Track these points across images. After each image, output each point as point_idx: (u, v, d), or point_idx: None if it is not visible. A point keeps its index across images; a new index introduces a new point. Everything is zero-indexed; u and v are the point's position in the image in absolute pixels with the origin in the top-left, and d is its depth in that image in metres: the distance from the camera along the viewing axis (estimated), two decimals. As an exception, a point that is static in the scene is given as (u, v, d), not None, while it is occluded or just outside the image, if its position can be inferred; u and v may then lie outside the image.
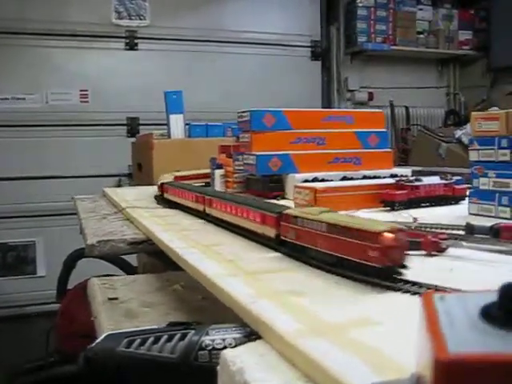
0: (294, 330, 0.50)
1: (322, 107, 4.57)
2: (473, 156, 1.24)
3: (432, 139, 3.99)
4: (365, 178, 1.64)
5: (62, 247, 3.01)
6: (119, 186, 3.84)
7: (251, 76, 4.38)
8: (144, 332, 0.62)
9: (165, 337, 0.59)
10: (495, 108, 3.90)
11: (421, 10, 4.74)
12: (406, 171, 1.76)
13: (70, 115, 4.02)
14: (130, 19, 4.38)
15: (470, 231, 0.96)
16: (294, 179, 1.56)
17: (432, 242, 0.83)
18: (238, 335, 0.59)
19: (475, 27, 4.86)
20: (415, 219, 1.17)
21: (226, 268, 0.77)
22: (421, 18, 4.74)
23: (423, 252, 0.83)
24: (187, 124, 2.57)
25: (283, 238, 0.83)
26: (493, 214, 1.19)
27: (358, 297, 0.62)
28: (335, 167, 1.66)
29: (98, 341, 0.61)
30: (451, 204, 1.40)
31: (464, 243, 0.89)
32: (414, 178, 1.43)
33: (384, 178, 1.63)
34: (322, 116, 1.70)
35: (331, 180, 1.55)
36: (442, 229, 1.02)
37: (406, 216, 1.21)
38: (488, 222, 1.15)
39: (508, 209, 1.16)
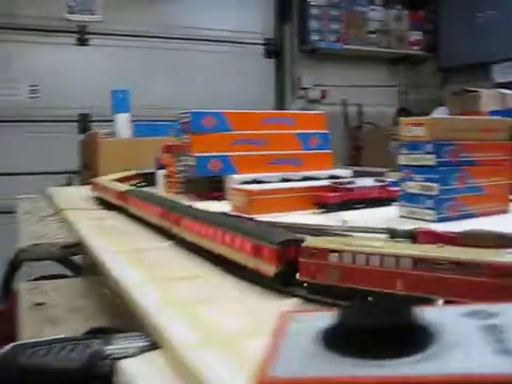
0: (187, 340, 0.51)
1: (275, 104, 4.61)
2: (401, 160, 1.27)
3: (383, 137, 4.06)
4: (304, 179, 1.66)
5: (5, 247, 2.95)
6: (69, 184, 3.78)
7: (206, 73, 4.37)
8: (51, 341, 0.62)
9: (69, 347, 0.60)
10: (443, 107, 4.00)
11: (373, 10, 4.82)
12: (346, 172, 1.79)
13: (18, 111, 3.94)
14: (82, 14, 4.32)
15: (392, 235, 0.99)
16: (233, 180, 1.57)
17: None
18: (142, 344, 0.60)
19: (425, 28, 4.96)
20: (345, 222, 1.20)
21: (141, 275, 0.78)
22: (372, 17, 4.81)
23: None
24: (134, 121, 2.56)
25: (303, 278, 0.63)
26: (419, 217, 1.23)
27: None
28: (275, 168, 1.67)
29: (2, 350, 0.61)
30: (385, 206, 1.43)
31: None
32: (348, 180, 1.46)
33: (323, 179, 1.65)
34: (263, 117, 1.72)
35: (270, 181, 1.57)
36: (366, 232, 1.05)
37: (337, 219, 1.23)
38: (415, 225, 1.19)
39: (432, 211, 1.20)
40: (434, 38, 4.76)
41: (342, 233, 1.05)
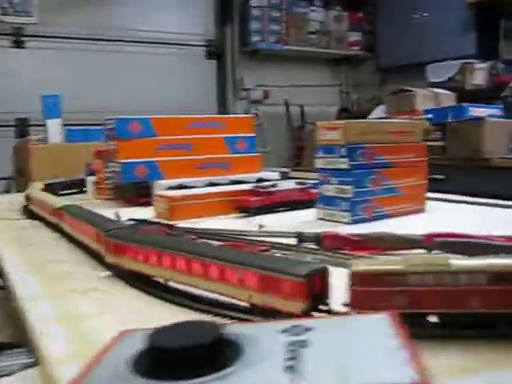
0: (60, 355, 0.51)
1: (218, 106, 4.61)
2: (318, 163, 1.30)
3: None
4: (232, 182, 1.67)
5: None
6: (8, 191, 3.68)
7: (146, 76, 4.33)
8: None
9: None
10: (382, 106, 4.08)
11: (313, 11, 4.87)
12: (273, 175, 1.81)
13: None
14: (17, 16, 4.21)
15: (300, 239, 1.01)
16: (160, 186, 1.57)
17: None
18: (26, 361, 0.59)
19: (364, 29, 5.05)
20: (261, 226, 1.22)
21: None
22: (313, 18, 4.86)
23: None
24: (67, 125, 2.52)
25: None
26: (336, 219, 1.26)
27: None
28: (203, 173, 1.68)
29: None
30: (308, 208, 1.46)
31: (287, 253, 0.93)
32: (270, 183, 1.48)
33: (250, 182, 1.67)
34: (189, 122, 1.72)
35: (195, 186, 1.57)
36: (277, 236, 1.07)
37: (254, 223, 1.25)
38: (331, 228, 1.22)
39: (348, 214, 1.23)
40: (373, 38, 4.85)
41: (255, 238, 1.07)
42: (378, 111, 4.19)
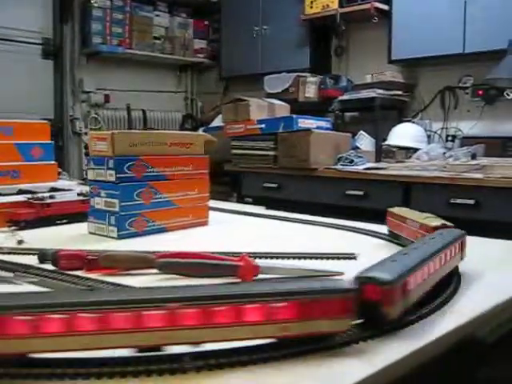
0: None
1: (55, 108, 4.38)
2: (90, 175, 1.25)
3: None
4: (20, 192, 1.56)
5: None
6: None
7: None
8: None
9: None
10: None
11: (158, 16, 4.80)
12: (70, 184, 1.73)
13: None
14: None
15: (42, 258, 0.95)
16: None
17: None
18: None
19: (209, 37, 5.08)
20: (20, 242, 1.14)
21: None
22: (157, 23, 4.79)
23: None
24: None
25: None
26: (105, 234, 1.21)
27: None
28: (-14, 181, 1.56)
29: None
30: (91, 220, 1.39)
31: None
32: (48, 194, 1.40)
33: (42, 192, 1.57)
34: (-28, 126, 1.59)
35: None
36: (20, 254, 1.00)
37: (16, 238, 1.16)
38: (100, 242, 1.17)
39: (115, 228, 1.19)
40: (218, 47, 4.89)
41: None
42: (219, 119, 4.22)
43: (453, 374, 0.70)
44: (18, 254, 1.00)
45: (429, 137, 3.50)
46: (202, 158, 1.37)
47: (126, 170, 1.19)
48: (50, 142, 1.74)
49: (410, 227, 1.02)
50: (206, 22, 5.07)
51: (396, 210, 1.14)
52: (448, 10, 3.17)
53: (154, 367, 0.51)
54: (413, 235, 1.00)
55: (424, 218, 1.00)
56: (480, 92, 3.31)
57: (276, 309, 0.54)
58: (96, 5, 4.46)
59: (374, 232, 1.24)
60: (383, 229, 1.22)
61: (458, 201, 2.55)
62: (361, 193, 2.94)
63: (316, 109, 3.82)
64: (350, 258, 0.99)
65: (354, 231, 1.28)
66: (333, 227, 1.33)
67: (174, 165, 1.29)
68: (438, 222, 0.96)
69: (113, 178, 1.18)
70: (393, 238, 1.15)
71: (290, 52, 4.16)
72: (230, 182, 3.84)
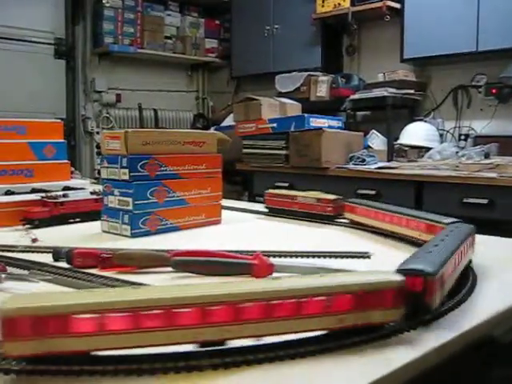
0: None
1: (67, 107, 4.41)
2: (103, 174, 1.25)
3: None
4: (33, 191, 1.57)
5: None
6: None
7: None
8: None
9: None
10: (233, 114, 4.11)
11: (169, 15, 4.82)
12: (83, 183, 1.74)
13: None
14: None
15: (56, 257, 0.95)
16: None
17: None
18: None
19: (220, 37, 5.09)
20: (34, 240, 1.14)
21: None
22: (169, 23, 4.81)
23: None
24: None
25: None
26: (119, 232, 1.21)
27: None
28: (2, 180, 1.56)
29: None
30: (105, 219, 1.40)
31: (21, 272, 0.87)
32: (62, 193, 1.40)
33: (55, 191, 1.58)
34: (-14, 125, 1.60)
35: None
36: (34, 252, 1.00)
37: (30, 236, 1.17)
38: (113, 241, 1.17)
39: (129, 227, 1.19)
40: (229, 46, 4.89)
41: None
42: (230, 119, 4.22)
43: (468, 372, 0.70)
44: (33, 252, 1.00)
45: (441, 136, 3.48)
46: (215, 157, 1.37)
47: (140, 169, 1.19)
48: (62, 140, 1.74)
49: (305, 202, 1.40)
50: (218, 22, 5.07)
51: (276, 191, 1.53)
52: (461, 7, 3.15)
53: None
54: (309, 208, 1.40)
55: (313, 194, 1.42)
56: (493, 90, 3.29)
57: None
58: (108, 5, 4.47)
59: (386, 231, 1.23)
60: (395, 228, 1.21)
61: (471, 200, 2.54)
62: (373, 192, 2.93)
63: (328, 108, 3.81)
64: (364, 257, 0.98)
65: (366, 231, 1.27)
66: (346, 226, 1.33)
67: (188, 163, 1.29)
68: (331, 196, 1.38)
69: (126, 177, 1.18)
70: (275, 213, 1.48)
71: (302, 51, 4.15)
72: (242, 181, 3.84)
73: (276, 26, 4.33)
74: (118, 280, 0.81)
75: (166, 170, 1.24)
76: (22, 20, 4.21)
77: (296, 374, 0.53)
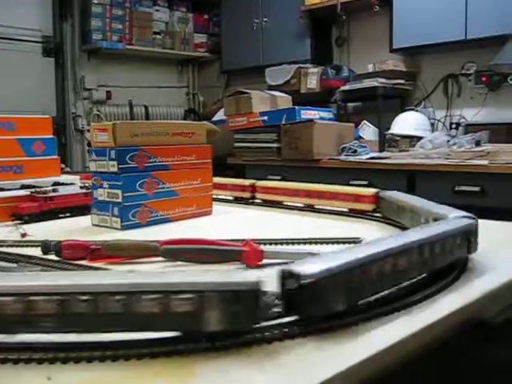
0: None
1: (57, 106, 4.39)
2: (92, 167, 1.24)
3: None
4: (23, 187, 1.56)
5: None
6: None
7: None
8: None
9: None
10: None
11: (157, 11, 4.80)
12: (73, 178, 1.73)
13: None
14: None
15: (45, 249, 0.94)
16: None
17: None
18: None
19: (209, 31, 5.07)
20: (23, 235, 1.13)
21: None
22: (157, 19, 4.79)
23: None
24: None
25: None
26: (109, 225, 1.20)
27: None
28: (-10, 177, 1.55)
29: None
30: (94, 213, 1.39)
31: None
32: (50, 188, 1.39)
33: (45, 187, 1.56)
34: (-26, 123, 1.58)
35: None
36: (23, 246, 0.99)
37: (20, 231, 1.16)
38: (104, 234, 1.16)
39: (119, 219, 1.18)
40: (219, 41, 4.88)
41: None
42: (221, 113, 4.21)
43: (458, 354, 0.69)
44: (22, 246, 0.99)
45: (432, 125, 3.48)
46: (205, 148, 1.36)
47: (128, 161, 1.18)
48: (51, 136, 1.73)
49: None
50: (206, 16, 5.06)
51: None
52: (449, -4, 3.15)
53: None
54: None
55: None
56: (483, 78, 3.29)
57: None
58: (96, 1, 4.45)
59: (378, 217, 1.23)
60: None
61: (464, 188, 2.54)
62: (365, 182, 2.93)
63: (318, 100, 3.80)
64: (355, 243, 0.98)
65: (358, 217, 1.27)
66: (337, 214, 1.32)
67: (177, 154, 1.28)
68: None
69: (115, 169, 1.17)
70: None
71: (291, 43, 4.14)
72: (234, 175, 3.83)
73: (265, 19, 4.32)
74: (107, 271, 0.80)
75: (155, 162, 1.23)
76: (9, 18, 4.18)
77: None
